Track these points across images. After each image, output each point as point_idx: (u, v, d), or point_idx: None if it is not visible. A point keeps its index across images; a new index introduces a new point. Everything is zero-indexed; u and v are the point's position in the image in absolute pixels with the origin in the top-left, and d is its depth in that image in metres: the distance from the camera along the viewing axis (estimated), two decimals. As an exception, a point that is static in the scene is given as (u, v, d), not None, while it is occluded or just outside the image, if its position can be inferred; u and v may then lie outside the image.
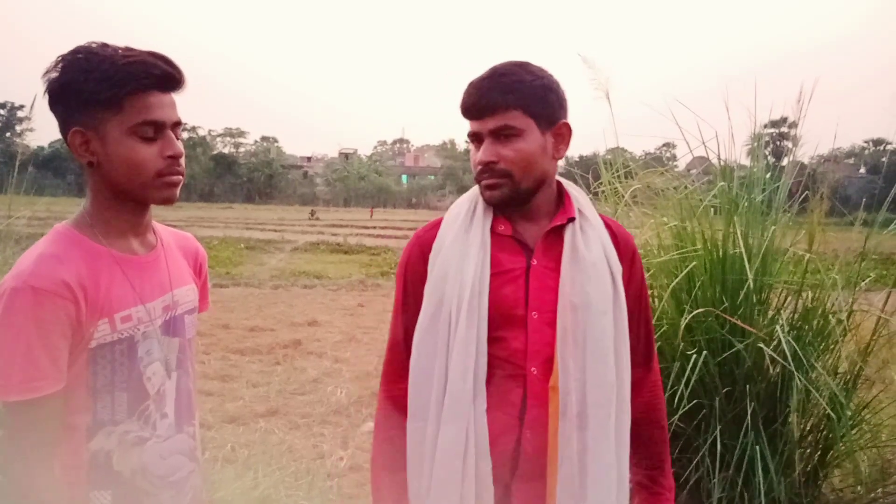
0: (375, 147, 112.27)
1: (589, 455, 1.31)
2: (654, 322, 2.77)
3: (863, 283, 2.98)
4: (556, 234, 1.41)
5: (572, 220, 1.41)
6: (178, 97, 1.26)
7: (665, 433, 1.58)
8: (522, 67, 1.37)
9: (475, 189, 1.45)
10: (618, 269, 1.40)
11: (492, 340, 1.36)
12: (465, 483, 1.32)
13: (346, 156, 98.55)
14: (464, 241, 1.40)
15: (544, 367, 1.35)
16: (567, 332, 1.33)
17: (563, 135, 1.40)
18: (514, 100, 1.33)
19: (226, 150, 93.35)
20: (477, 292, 1.35)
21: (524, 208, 1.42)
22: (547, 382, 1.34)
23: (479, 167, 1.37)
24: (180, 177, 1.25)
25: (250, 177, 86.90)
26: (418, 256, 1.46)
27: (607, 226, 1.47)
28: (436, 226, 1.48)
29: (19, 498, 1.11)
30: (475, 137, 1.39)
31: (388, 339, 1.54)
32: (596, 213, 1.46)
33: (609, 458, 1.33)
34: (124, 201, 1.24)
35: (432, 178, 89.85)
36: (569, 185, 1.49)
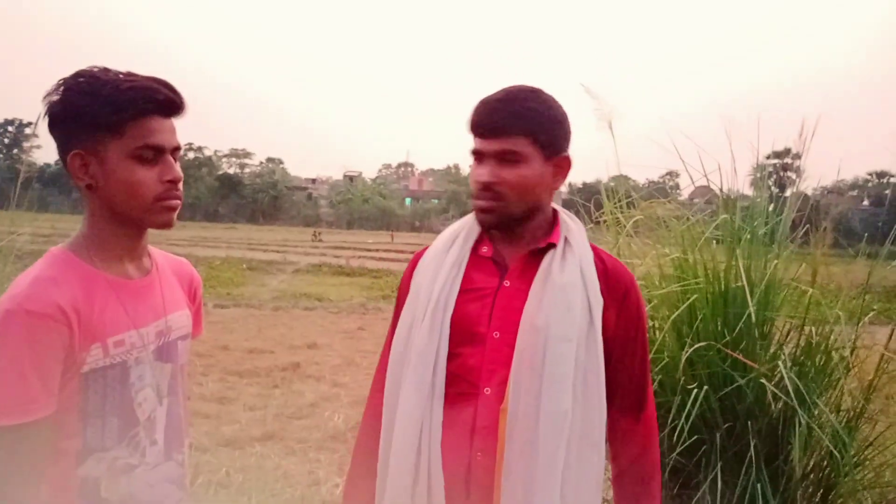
0: (380, 170, 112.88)
1: (537, 488, 1.26)
2: (654, 355, 2.78)
3: (866, 318, 2.95)
4: (537, 259, 1.39)
5: (554, 245, 1.39)
6: (184, 118, 1.27)
7: (653, 496, 1.46)
8: (536, 95, 1.37)
9: (471, 214, 1.47)
10: (597, 301, 1.35)
11: (451, 356, 1.35)
12: (415, 499, 1.31)
13: (350, 178, 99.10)
14: (441, 259, 1.42)
15: (499, 388, 1.32)
16: (524, 355, 1.30)
17: (563, 167, 1.41)
18: (524, 127, 1.33)
19: (231, 171, 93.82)
20: (442, 307, 1.36)
21: (512, 233, 1.41)
22: (500, 404, 1.31)
23: (479, 186, 1.37)
24: (178, 201, 1.26)
25: (255, 197, 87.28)
26: (408, 275, 1.51)
27: (600, 259, 1.43)
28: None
29: None
30: (478, 155, 1.38)
31: None
32: (585, 243, 1.43)
33: (553, 495, 1.26)
34: (122, 225, 1.24)
35: (436, 201, 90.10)
36: (564, 214, 1.48)
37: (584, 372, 1.32)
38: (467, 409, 1.33)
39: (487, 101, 1.37)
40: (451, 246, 1.44)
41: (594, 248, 1.45)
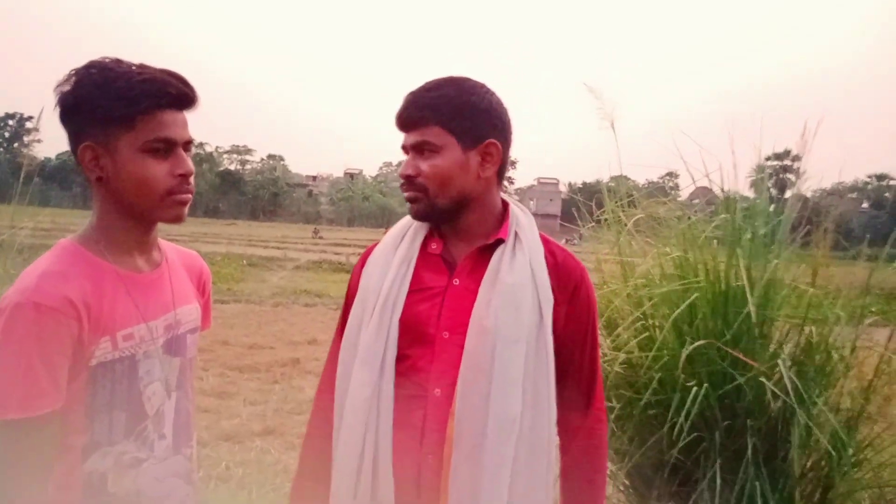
0: (381, 168, 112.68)
1: (484, 492, 1.24)
2: (654, 352, 2.79)
3: (866, 321, 2.96)
4: (486, 255, 1.36)
5: (503, 241, 1.36)
6: (186, 113, 1.26)
7: (598, 491, 1.46)
8: (453, 83, 1.35)
9: None
10: (547, 298, 1.33)
11: (401, 358, 1.33)
12: (357, 500, 1.29)
13: (351, 176, 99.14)
14: (390, 256, 1.40)
15: (449, 389, 1.29)
16: (473, 356, 1.28)
17: (490, 154, 1.35)
18: (433, 116, 1.32)
19: (232, 167, 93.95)
20: (390, 308, 1.34)
21: (457, 227, 1.39)
22: (450, 406, 1.29)
23: (402, 179, 1.37)
24: (189, 195, 1.25)
25: (255, 194, 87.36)
26: (358, 269, 1.47)
27: (551, 253, 1.40)
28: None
29: None
30: (404, 150, 1.38)
31: None
32: (536, 238, 1.40)
33: (500, 500, 1.25)
34: (132, 218, 1.24)
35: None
36: (515, 208, 1.44)
37: (534, 375, 1.30)
38: (417, 410, 1.31)
39: (407, 95, 1.37)
40: (399, 242, 1.41)
41: (546, 241, 1.42)
